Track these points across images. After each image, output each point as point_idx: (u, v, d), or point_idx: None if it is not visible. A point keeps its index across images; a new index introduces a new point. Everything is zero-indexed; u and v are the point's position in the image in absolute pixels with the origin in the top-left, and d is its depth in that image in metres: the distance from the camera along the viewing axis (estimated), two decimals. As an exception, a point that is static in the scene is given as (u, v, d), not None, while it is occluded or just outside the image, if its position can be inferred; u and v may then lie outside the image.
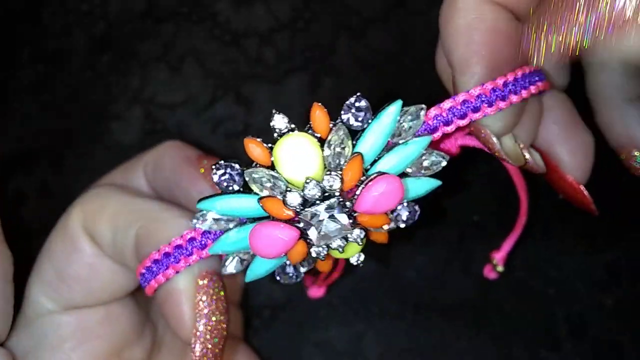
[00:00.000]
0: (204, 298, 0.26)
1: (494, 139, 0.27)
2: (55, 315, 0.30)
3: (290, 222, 0.24)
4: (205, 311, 0.26)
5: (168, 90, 0.42)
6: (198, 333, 0.26)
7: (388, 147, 0.25)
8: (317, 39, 0.42)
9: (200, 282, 0.27)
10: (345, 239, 0.25)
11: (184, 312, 0.26)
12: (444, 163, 0.26)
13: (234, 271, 0.27)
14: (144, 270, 0.27)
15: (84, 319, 0.30)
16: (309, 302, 0.39)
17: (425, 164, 0.26)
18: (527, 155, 0.29)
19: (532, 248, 0.38)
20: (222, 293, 0.27)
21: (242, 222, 0.26)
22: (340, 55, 0.42)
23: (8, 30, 0.43)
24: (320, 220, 0.24)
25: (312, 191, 0.24)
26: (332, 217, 0.24)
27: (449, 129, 0.26)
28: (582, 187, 0.31)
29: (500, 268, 0.34)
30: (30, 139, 0.41)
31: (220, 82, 0.42)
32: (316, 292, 0.37)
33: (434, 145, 0.29)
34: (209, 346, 0.26)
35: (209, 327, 0.26)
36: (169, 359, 0.33)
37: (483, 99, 0.26)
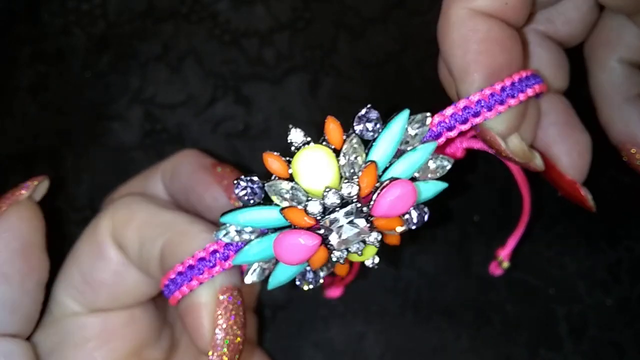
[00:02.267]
0: (224, 312, 0.27)
1: (500, 141, 0.28)
2: (81, 317, 0.31)
3: (311, 229, 0.26)
4: (224, 325, 0.27)
5: (168, 90, 0.42)
6: (216, 346, 0.27)
7: (397, 154, 0.27)
8: (317, 39, 0.42)
9: (221, 297, 0.28)
10: (364, 242, 0.26)
11: (204, 325, 0.27)
12: (449, 166, 0.28)
13: (256, 280, 0.28)
14: (167, 282, 0.28)
15: (108, 321, 0.31)
16: (309, 302, 0.39)
17: (432, 167, 0.27)
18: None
19: (533, 247, 0.38)
20: (240, 308, 0.28)
21: (263, 233, 0.27)
22: (340, 55, 0.42)
23: (8, 30, 0.43)
24: (340, 226, 0.25)
25: (332, 199, 0.25)
26: (351, 222, 0.26)
27: (452, 134, 0.28)
28: (579, 186, 0.31)
29: (506, 264, 0.36)
30: (30, 139, 0.41)
31: (220, 82, 0.42)
32: (333, 292, 0.38)
33: (439, 150, 0.29)
34: (225, 359, 0.27)
35: (227, 341, 0.27)
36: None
37: (482, 104, 0.27)
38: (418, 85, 0.41)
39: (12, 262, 0.27)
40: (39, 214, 0.30)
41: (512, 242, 0.35)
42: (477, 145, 0.30)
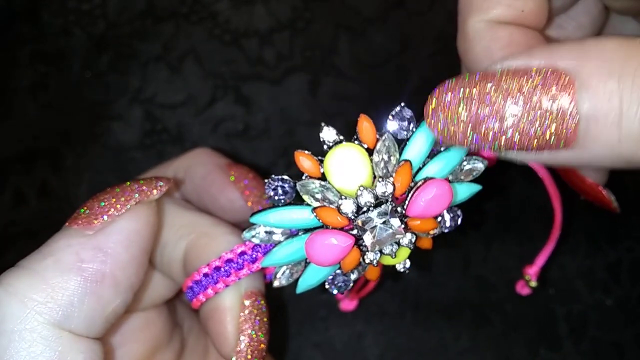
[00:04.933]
0: (248, 318, 0.27)
1: None
2: None
3: (342, 230, 0.25)
4: (249, 331, 0.27)
5: (168, 90, 0.42)
6: (240, 351, 0.27)
7: (430, 154, 0.26)
8: (317, 39, 0.42)
9: (246, 302, 0.27)
10: (397, 243, 0.26)
11: (228, 330, 0.27)
12: (483, 168, 0.27)
13: (284, 284, 0.27)
14: (192, 284, 0.28)
15: (124, 324, 0.30)
16: (309, 302, 0.39)
17: (466, 169, 0.27)
18: None
19: (533, 247, 0.38)
20: (265, 313, 0.28)
21: (292, 235, 0.26)
22: (340, 55, 0.42)
23: (8, 30, 0.43)
24: (374, 226, 0.25)
25: (366, 198, 0.24)
26: (385, 222, 0.25)
27: None
28: (601, 188, 0.31)
29: (533, 283, 0.34)
30: (30, 139, 0.41)
31: (220, 82, 0.42)
32: (348, 305, 0.37)
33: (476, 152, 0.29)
34: None
35: (251, 347, 0.27)
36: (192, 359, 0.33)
37: None
38: (418, 85, 0.41)
39: (126, 269, 0.25)
40: (158, 220, 0.28)
41: (541, 260, 0.34)
42: None
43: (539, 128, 0.20)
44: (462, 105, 0.21)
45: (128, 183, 0.27)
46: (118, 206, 0.26)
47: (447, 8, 0.43)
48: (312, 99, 0.41)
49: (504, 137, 0.21)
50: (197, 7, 0.43)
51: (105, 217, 0.25)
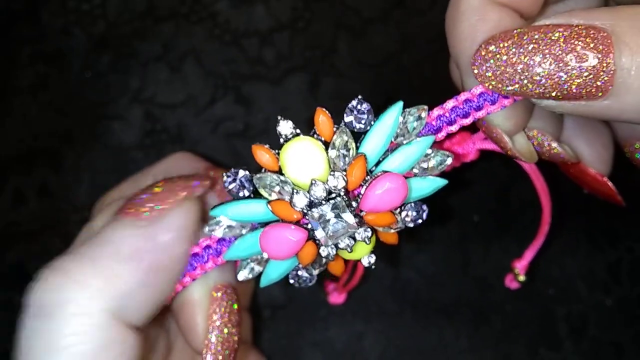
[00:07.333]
0: (217, 310, 0.27)
1: (506, 138, 0.27)
2: None
3: (298, 223, 0.25)
4: (218, 323, 0.27)
5: (168, 90, 0.42)
6: (210, 344, 0.27)
7: (392, 148, 0.26)
8: (317, 39, 0.42)
9: (215, 295, 0.27)
10: (354, 238, 0.26)
11: (197, 323, 0.27)
12: (449, 161, 0.26)
13: (249, 276, 0.27)
14: None
15: None
16: (309, 301, 0.39)
17: (431, 163, 0.26)
18: (559, 148, 0.29)
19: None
20: (235, 306, 0.28)
21: (254, 228, 0.26)
22: (340, 55, 0.42)
23: (8, 30, 0.43)
24: (327, 220, 0.25)
25: (318, 192, 0.24)
26: (338, 216, 0.25)
27: (453, 128, 0.26)
28: (605, 179, 0.31)
29: (522, 277, 0.34)
30: (30, 139, 0.41)
31: (220, 82, 0.42)
32: (337, 298, 0.37)
33: (451, 151, 0.29)
34: (220, 357, 0.27)
35: (221, 339, 0.27)
36: None
37: (485, 97, 0.26)
38: (418, 85, 0.41)
39: (178, 262, 0.26)
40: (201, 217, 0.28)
41: (529, 254, 0.34)
42: (491, 146, 0.29)
43: (580, 76, 0.23)
44: (512, 51, 0.23)
45: (162, 182, 0.27)
46: (170, 201, 0.26)
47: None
48: (312, 99, 0.41)
49: (550, 79, 0.23)
50: (197, 7, 0.43)
51: (159, 207, 0.26)
